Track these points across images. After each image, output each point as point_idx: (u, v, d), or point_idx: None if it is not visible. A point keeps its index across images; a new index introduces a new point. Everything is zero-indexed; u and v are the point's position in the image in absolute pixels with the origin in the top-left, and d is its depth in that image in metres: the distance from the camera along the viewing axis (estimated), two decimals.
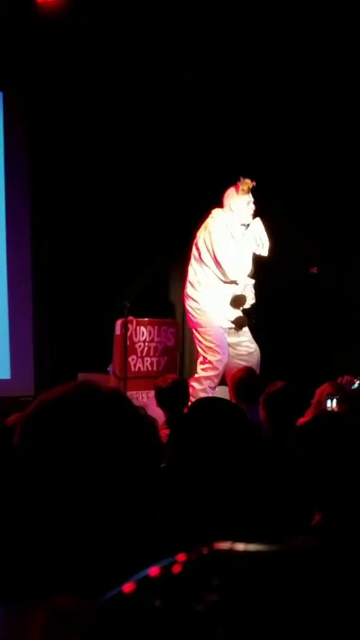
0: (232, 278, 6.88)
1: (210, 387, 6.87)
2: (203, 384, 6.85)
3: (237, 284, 6.95)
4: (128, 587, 0.58)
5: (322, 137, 7.72)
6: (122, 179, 8.20)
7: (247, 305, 7.01)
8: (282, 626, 0.52)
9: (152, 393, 5.94)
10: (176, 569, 0.56)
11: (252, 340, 7.13)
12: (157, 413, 5.18)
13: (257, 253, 6.93)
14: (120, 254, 8.19)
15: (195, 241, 6.98)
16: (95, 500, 1.12)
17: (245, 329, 7.09)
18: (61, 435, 1.14)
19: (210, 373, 6.88)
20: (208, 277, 6.91)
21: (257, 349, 7.11)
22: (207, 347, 6.93)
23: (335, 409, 4.26)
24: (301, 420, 3.98)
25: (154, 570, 0.57)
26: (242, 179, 6.79)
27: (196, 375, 6.99)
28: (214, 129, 8.03)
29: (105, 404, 1.18)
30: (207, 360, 6.93)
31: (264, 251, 6.92)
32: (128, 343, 7.35)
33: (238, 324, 6.99)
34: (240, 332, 7.03)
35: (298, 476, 2.31)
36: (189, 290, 7.03)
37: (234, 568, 0.54)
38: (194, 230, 7.13)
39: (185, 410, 5.21)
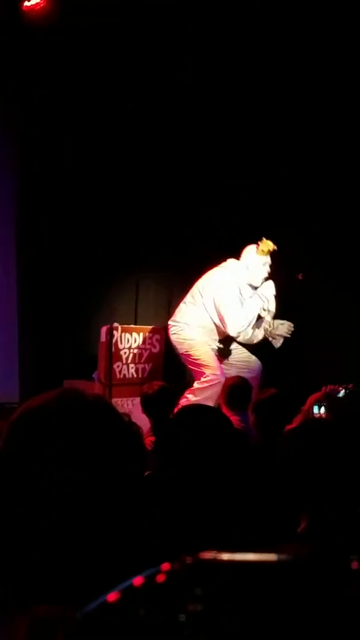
0: (232, 334, 6.87)
1: (204, 399, 6.84)
2: (197, 396, 6.77)
3: (235, 340, 6.97)
4: (112, 596, 0.58)
5: (313, 143, 7.74)
6: (108, 186, 8.19)
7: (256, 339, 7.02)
8: (265, 636, 0.52)
9: (137, 400, 5.94)
10: (160, 578, 0.55)
11: (250, 353, 7.17)
12: (142, 420, 5.18)
13: (262, 316, 6.92)
14: (106, 261, 8.19)
15: (198, 284, 6.92)
16: (79, 507, 1.12)
17: (238, 348, 7.17)
18: (45, 442, 1.14)
19: (205, 385, 6.79)
20: (200, 320, 6.87)
21: (257, 360, 7.14)
22: (202, 364, 6.86)
23: (323, 416, 4.28)
24: (288, 426, 3.99)
25: (138, 580, 0.57)
26: (264, 239, 6.77)
27: (193, 387, 6.94)
28: (207, 142, 8.06)
29: (88, 410, 1.18)
30: (205, 375, 6.84)
31: (268, 317, 6.91)
32: (113, 350, 7.33)
33: (223, 355, 7.05)
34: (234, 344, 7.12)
35: (285, 482, 2.31)
36: (173, 324, 7.01)
37: (217, 578, 0.54)
38: (181, 240, 7.15)
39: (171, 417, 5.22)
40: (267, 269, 6.85)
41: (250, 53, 7.55)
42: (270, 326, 6.90)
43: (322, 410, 4.38)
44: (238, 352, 7.18)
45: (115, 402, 7.24)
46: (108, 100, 7.95)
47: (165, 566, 0.58)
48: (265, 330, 6.94)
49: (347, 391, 4.89)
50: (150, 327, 7.95)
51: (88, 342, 8.01)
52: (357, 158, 7.64)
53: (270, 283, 6.96)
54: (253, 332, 7.05)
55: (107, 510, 1.13)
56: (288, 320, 7.55)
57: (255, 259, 6.83)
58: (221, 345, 7.07)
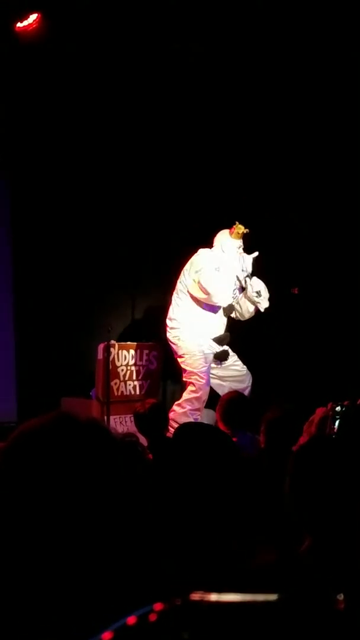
0: (217, 302, 6.93)
1: (191, 410, 6.92)
2: (184, 407, 6.93)
3: (222, 306, 7.04)
4: (107, 635, 0.56)
5: (307, 161, 7.78)
6: (104, 203, 8.20)
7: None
8: None
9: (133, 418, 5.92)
10: (152, 617, 0.54)
11: (242, 364, 7.23)
12: (141, 438, 5.15)
13: (245, 286, 7.01)
14: (102, 278, 8.19)
15: (179, 277, 7.08)
16: (76, 531, 1.11)
17: (233, 352, 7.22)
18: (40, 466, 1.13)
19: (192, 395, 6.98)
20: (190, 311, 7.03)
21: (248, 372, 7.21)
22: (189, 372, 7.02)
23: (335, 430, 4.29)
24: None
25: (131, 619, 0.56)
26: (237, 223, 6.91)
27: (179, 400, 7.05)
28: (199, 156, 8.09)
29: (83, 434, 1.17)
30: (190, 384, 7.02)
31: (264, 302, 6.99)
32: (110, 367, 7.33)
33: (220, 357, 7.15)
34: (226, 361, 7.19)
35: (289, 500, 2.29)
36: (170, 323, 7.15)
37: (204, 620, 0.53)
38: (176, 257, 7.17)
39: (167, 435, 5.20)
40: (241, 251, 6.96)
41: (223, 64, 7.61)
42: (252, 291, 6.97)
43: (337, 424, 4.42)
44: (233, 361, 7.21)
45: (114, 420, 7.23)
46: (98, 116, 7.99)
47: (158, 605, 0.57)
48: (250, 296, 7.00)
49: (343, 408, 4.87)
50: (147, 343, 7.95)
51: (85, 360, 8.00)
52: (338, 180, 7.68)
53: (246, 256, 7.04)
54: (242, 306, 7.11)
55: (105, 533, 1.12)
56: (283, 334, 7.58)
57: (230, 242, 6.95)
58: (217, 350, 7.11)
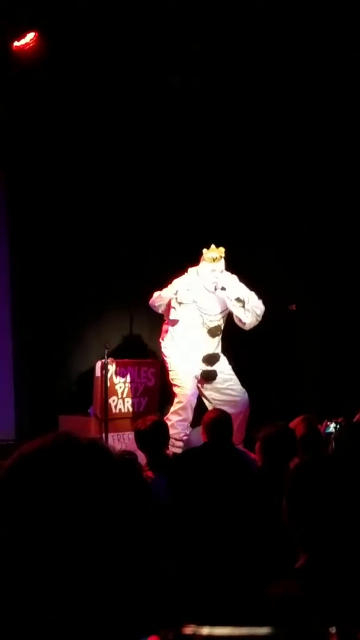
0: (179, 298, 7.04)
1: (178, 421, 6.99)
2: (171, 419, 6.99)
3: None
4: None
5: (307, 161, 7.79)
6: (100, 218, 8.21)
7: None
8: None
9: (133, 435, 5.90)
10: None
11: (238, 383, 7.23)
12: (139, 454, 5.14)
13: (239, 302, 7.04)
14: (99, 295, 8.20)
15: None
16: (77, 553, 1.11)
17: (231, 374, 7.24)
18: (40, 487, 1.14)
19: (177, 407, 7.09)
20: (177, 334, 7.16)
21: (244, 397, 7.20)
22: (174, 384, 7.16)
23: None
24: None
25: None
26: (212, 247, 7.01)
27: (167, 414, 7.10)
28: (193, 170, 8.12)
29: (83, 455, 1.18)
30: (174, 395, 7.15)
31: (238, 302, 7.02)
32: (108, 384, 7.33)
33: (206, 377, 7.21)
34: (222, 379, 7.21)
35: (286, 517, 2.29)
36: (163, 342, 7.27)
37: None
38: (175, 273, 7.19)
39: (167, 452, 5.19)
40: (217, 274, 7.00)
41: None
42: (230, 299, 7.03)
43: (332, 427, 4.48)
44: (228, 384, 7.22)
45: (112, 437, 7.22)
46: (98, 124, 7.99)
47: (153, 639, 0.57)
48: (231, 306, 7.05)
49: (337, 425, 4.87)
50: (145, 360, 7.95)
51: (83, 377, 8.00)
52: (336, 196, 7.70)
53: (229, 276, 7.09)
54: (235, 317, 7.12)
55: (107, 554, 1.13)
56: (281, 351, 7.59)
57: (203, 266, 7.05)
58: (208, 368, 7.17)
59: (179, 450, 6.75)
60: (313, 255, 7.88)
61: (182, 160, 8.13)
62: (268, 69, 7.56)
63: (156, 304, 7.20)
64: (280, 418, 4.72)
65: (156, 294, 7.15)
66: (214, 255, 6.97)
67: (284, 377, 7.77)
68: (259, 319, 7.08)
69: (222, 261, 7.03)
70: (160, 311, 7.25)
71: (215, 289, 7.01)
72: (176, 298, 7.02)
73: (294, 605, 1.70)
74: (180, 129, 8.02)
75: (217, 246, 7.03)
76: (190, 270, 7.15)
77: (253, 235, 8.03)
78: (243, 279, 7.09)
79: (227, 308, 7.14)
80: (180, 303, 7.04)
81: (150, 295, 7.18)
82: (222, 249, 7.00)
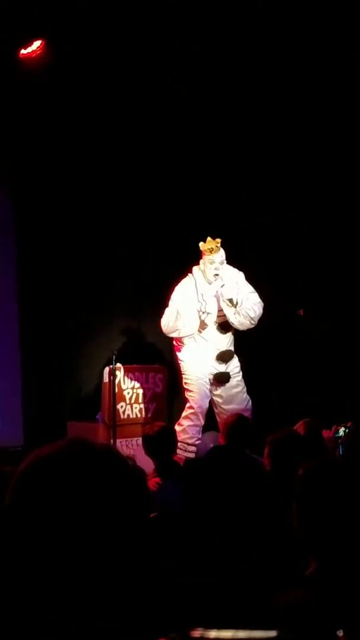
0: (175, 333, 7.08)
1: (189, 426, 6.99)
2: (182, 424, 7.03)
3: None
4: None
5: (307, 161, 7.80)
6: (106, 225, 8.22)
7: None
8: None
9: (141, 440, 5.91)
10: None
11: (245, 391, 7.23)
12: (146, 460, 5.15)
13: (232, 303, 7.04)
14: (107, 301, 8.21)
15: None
16: (88, 557, 1.12)
17: (240, 382, 7.22)
18: (54, 491, 1.15)
19: (188, 412, 7.10)
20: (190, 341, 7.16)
21: (248, 402, 7.20)
22: (186, 389, 7.17)
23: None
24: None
25: None
26: (208, 239, 6.99)
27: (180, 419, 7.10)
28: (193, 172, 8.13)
29: (98, 461, 1.19)
30: (186, 401, 7.15)
31: (228, 292, 7.01)
32: (116, 390, 7.33)
33: (219, 379, 7.17)
34: (225, 384, 7.20)
35: (296, 522, 2.29)
36: (175, 343, 7.29)
37: None
38: (182, 278, 7.20)
39: (175, 458, 5.20)
40: (217, 266, 6.97)
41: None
42: (223, 299, 7.02)
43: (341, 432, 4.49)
44: (238, 391, 7.22)
45: (120, 443, 7.22)
46: (99, 127, 8.01)
47: None
48: (224, 307, 7.04)
49: (347, 430, 4.87)
50: (153, 366, 7.96)
51: (90, 383, 8.01)
52: (341, 199, 7.70)
53: (233, 271, 7.09)
54: (230, 318, 7.10)
55: (116, 560, 1.14)
56: (288, 356, 7.58)
57: (204, 259, 7.04)
58: (218, 370, 7.14)
59: (191, 455, 6.77)
60: (313, 255, 7.87)
61: (182, 161, 8.14)
62: (268, 69, 7.57)
63: (177, 330, 7.08)
64: (287, 423, 4.73)
65: (165, 322, 7.03)
66: (209, 247, 6.96)
67: (290, 381, 7.75)
68: (254, 322, 7.05)
69: (222, 252, 6.98)
70: (182, 335, 7.13)
71: (214, 280, 6.98)
72: (222, 298, 6.96)
73: (303, 611, 1.70)
74: (181, 131, 8.02)
75: (214, 238, 7.01)
76: (194, 268, 7.13)
77: (253, 235, 8.03)
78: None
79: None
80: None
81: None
82: (218, 240, 6.97)
